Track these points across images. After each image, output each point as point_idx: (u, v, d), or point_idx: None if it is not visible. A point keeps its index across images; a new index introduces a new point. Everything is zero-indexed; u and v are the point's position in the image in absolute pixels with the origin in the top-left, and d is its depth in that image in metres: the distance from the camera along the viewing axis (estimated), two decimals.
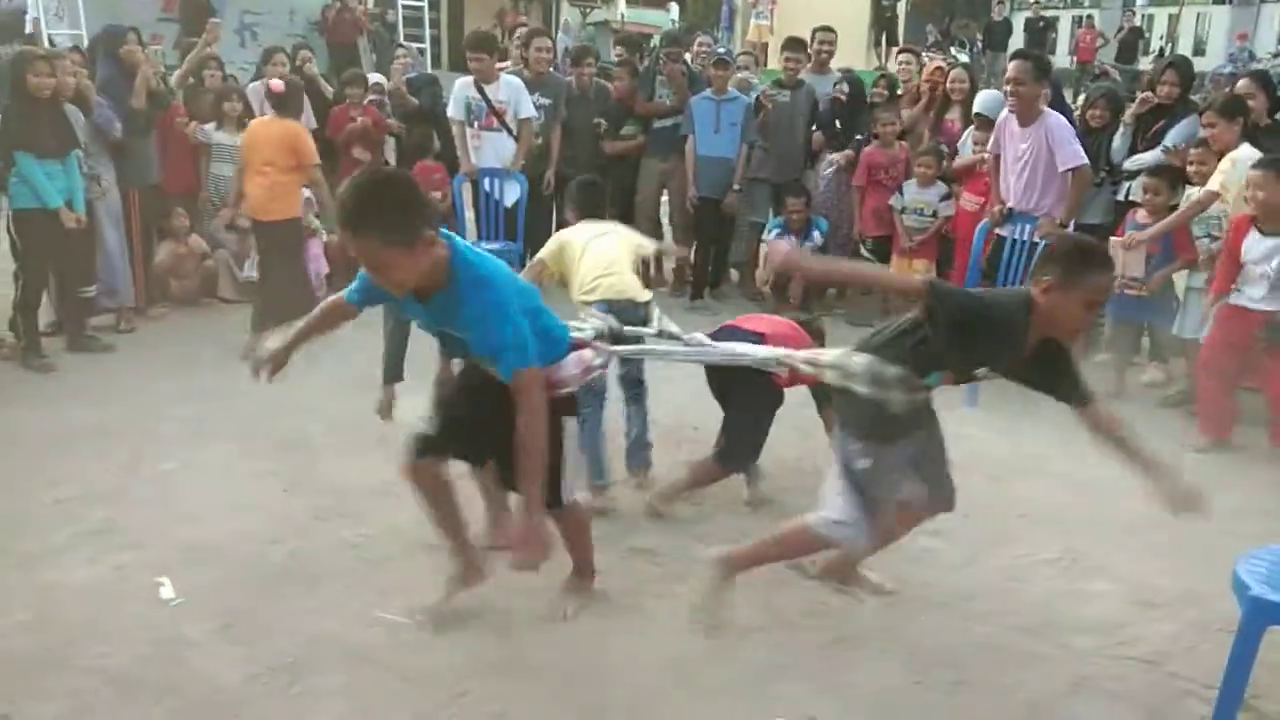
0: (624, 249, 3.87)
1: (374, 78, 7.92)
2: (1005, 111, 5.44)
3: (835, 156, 6.96)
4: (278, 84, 6.05)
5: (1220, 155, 4.96)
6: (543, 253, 3.98)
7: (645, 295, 3.75)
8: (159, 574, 3.24)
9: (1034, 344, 2.69)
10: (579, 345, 2.92)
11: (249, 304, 6.15)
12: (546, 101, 6.85)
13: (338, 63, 9.97)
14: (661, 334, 3.59)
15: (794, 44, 7.27)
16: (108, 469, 4.04)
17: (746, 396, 3.65)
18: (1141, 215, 5.38)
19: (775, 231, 6.74)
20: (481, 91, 6.55)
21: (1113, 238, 5.25)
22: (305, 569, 3.33)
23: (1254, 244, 4.57)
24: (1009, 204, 5.45)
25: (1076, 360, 2.85)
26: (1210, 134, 5.05)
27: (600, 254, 3.78)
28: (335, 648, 2.89)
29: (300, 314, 2.98)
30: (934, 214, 6.40)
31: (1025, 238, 5.40)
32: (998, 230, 5.52)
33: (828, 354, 2.99)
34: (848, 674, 2.86)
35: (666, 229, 7.42)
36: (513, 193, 6.62)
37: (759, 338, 3.55)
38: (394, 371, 3.81)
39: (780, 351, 3.28)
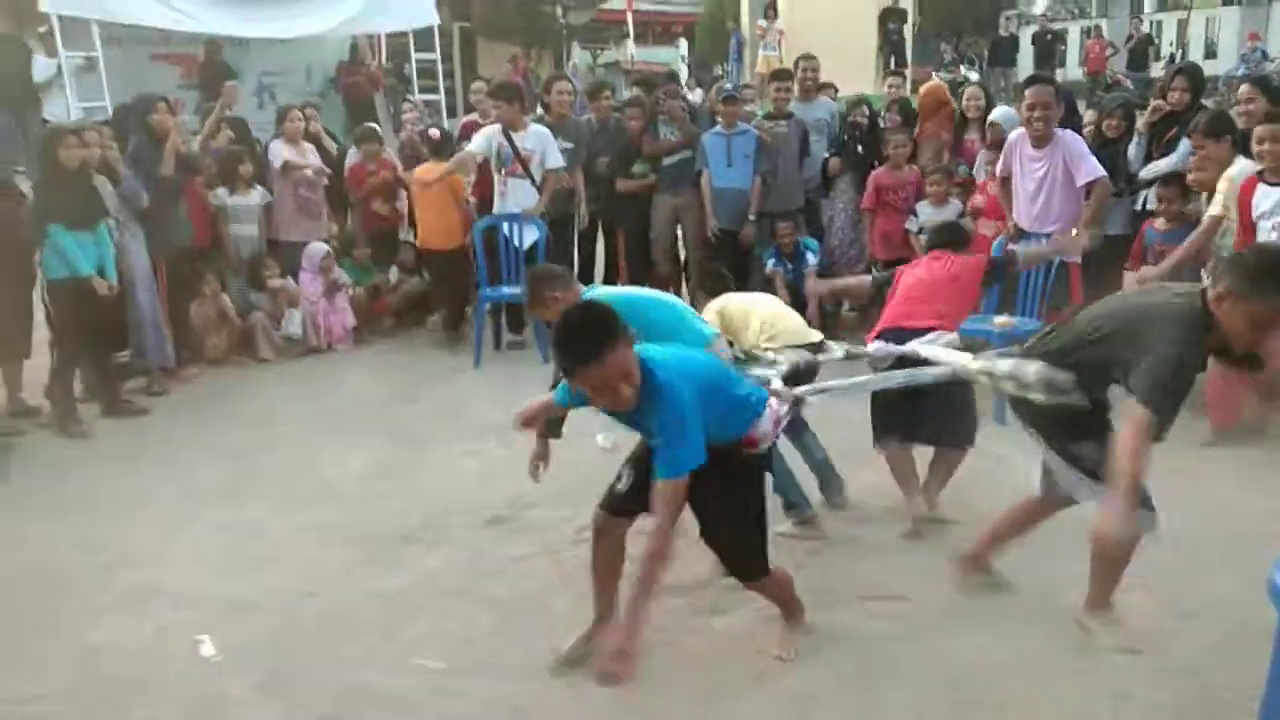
0: (768, 303, 4.14)
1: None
2: (1016, 133, 5.48)
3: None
4: (435, 132, 7.34)
5: (1219, 166, 4.94)
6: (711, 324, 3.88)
7: (817, 335, 3.96)
8: (199, 632, 3.29)
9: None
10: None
11: (282, 361, 6.26)
12: (569, 145, 6.96)
13: (355, 119, 10.15)
14: (848, 355, 3.75)
15: (781, 75, 7.41)
16: (146, 531, 4.11)
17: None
18: (1159, 224, 5.38)
19: (771, 261, 6.81)
20: (509, 138, 6.66)
21: (1128, 271, 5.28)
22: (340, 621, 3.37)
23: (1263, 197, 4.52)
24: (1023, 225, 5.47)
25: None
26: (1202, 156, 5.03)
27: (765, 304, 4.07)
28: (372, 697, 2.93)
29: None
30: None
31: None
32: (1012, 246, 5.52)
33: (1003, 364, 3.02)
34: (884, 700, 2.86)
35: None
36: (530, 236, 6.70)
37: (927, 330, 3.70)
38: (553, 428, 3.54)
39: (959, 361, 3.29)
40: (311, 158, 7.19)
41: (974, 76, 16.84)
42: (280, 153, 7.05)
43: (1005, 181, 5.60)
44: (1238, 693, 2.78)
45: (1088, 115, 6.08)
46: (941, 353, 3.41)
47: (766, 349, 3.80)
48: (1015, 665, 3.00)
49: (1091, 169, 5.20)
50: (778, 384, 3.23)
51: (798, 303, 6.80)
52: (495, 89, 7.06)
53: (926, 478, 3.96)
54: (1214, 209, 4.80)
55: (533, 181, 6.68)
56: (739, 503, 2.86)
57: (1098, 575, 3.08)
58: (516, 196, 6.69)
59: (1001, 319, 5.23)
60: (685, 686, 2.93)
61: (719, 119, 6.94)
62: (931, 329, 3.72)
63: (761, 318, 3.97)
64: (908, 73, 12.72)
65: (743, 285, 7.42)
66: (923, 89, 7.66)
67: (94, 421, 5.55)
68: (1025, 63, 18.39)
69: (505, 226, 6.74)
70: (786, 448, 3.88)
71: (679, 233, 7.33)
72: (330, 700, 2.90)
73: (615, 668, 2.51)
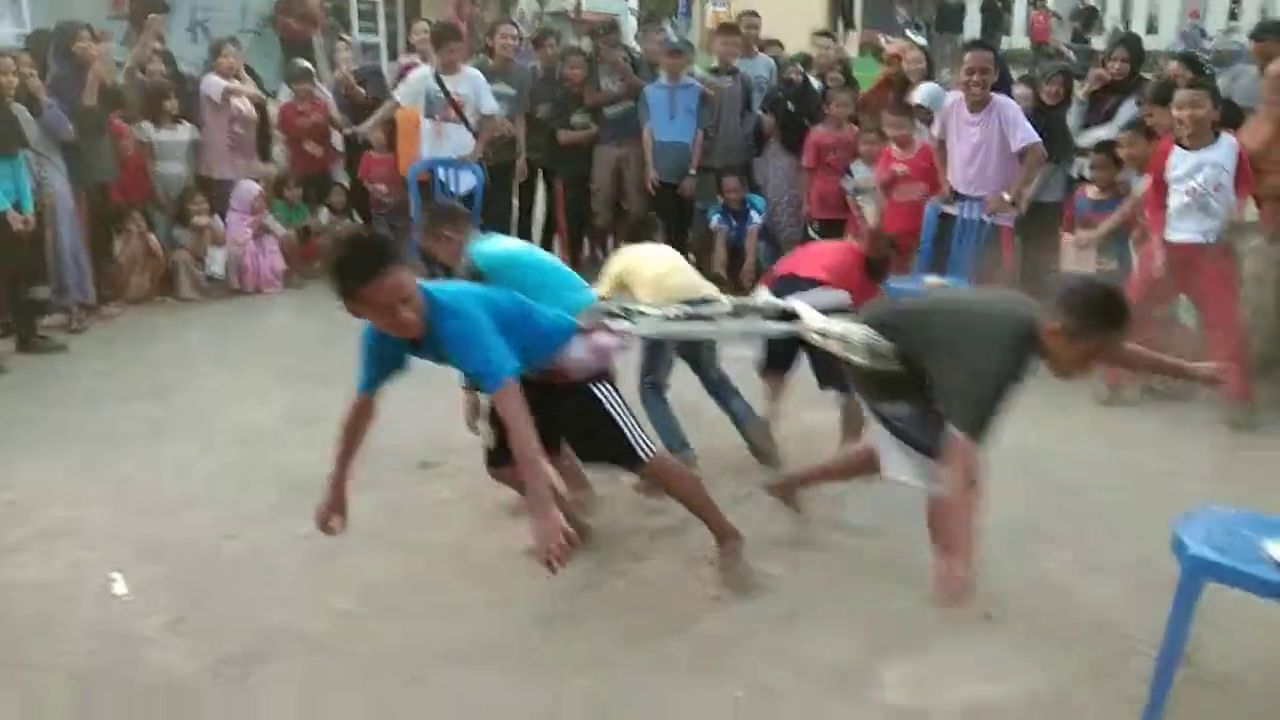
0: (663, 258, 4.01)
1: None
2: (953, 97, 5.51)
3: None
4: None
5: (1155, 137, 5.02)
6: (603, 289, 3.91)
7: (710, 289, 3.89)
8: (113, 571, 3.22)
9: None
10: (593, 328, 3.08)
11: (208, 301, 6.10)
12: (511, 91, 6.85)
13: (290, 58, 9.86)
14: (736, 310, 3.67)
15: (728, 29, 7.32)
16: (62, 470, 4.01)
17: None
18: (1091, 193, 5.45)
19: (716, 217, 6.78)
20: (441, 83, 6.52)
21: (1066, 233, 5.37)
22: (259, 562, 3.32)
23: (1178, 160, 4.63)
24: (958, 189, 5.51)
25: None
26: (1151, 122, 5.14)
27: (660, 259, 3.97)
28: (290, 638, 2.89)
29: None
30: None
31: (974, 216, 5.46)
32: (946, 209, 5.58)
33: (837, 325, 3.09)
34: (803, 645, 2.89)
35: None
36: (467, 182, 6.60)
37: (814, 284, 3.79)
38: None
39: (807, 319, 3.34)
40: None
41: (920, 41, 16.87)
42: (218, 84, 6.83)
43: (941, 145, 5.63)
44: (1141, 641, 2.86)
45: (1021, 89, 6.08)
46: (807, 310, 3.42)
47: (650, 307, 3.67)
48: (933, 614, 3.06)
49: (1026, 134, 5.25)
50: (615, 322, 3.25)
51: (737, 260, 6.83)
52: (435, 31, 6.90)
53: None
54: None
55: (468, 126, 6.56)
56: (581, 419, 3.05)
57: (821, 471, 3.35)
58: (451, 142, 6.58)
59: (933, 279, 5.28)
60: (610, 629, 2.94)
61: (661, 72, 6.87)
62: (820, 282, 3.84)
63: (655, 272, 3.88)
64: (840, 34, 12.71)
65: (681, 240, 7.44)
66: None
67: (9, 356, 5.38)
68: (973, 30, 18.45)
69: (441, 171, 6.63)
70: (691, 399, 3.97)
71: (620, 185, 7.27)
72: (242, 641, 2.85)
73: (546, 548, 2.43)
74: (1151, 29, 23.64)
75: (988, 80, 5.28)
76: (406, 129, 6.80)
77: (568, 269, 3.78)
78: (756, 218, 6.69)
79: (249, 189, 6.86)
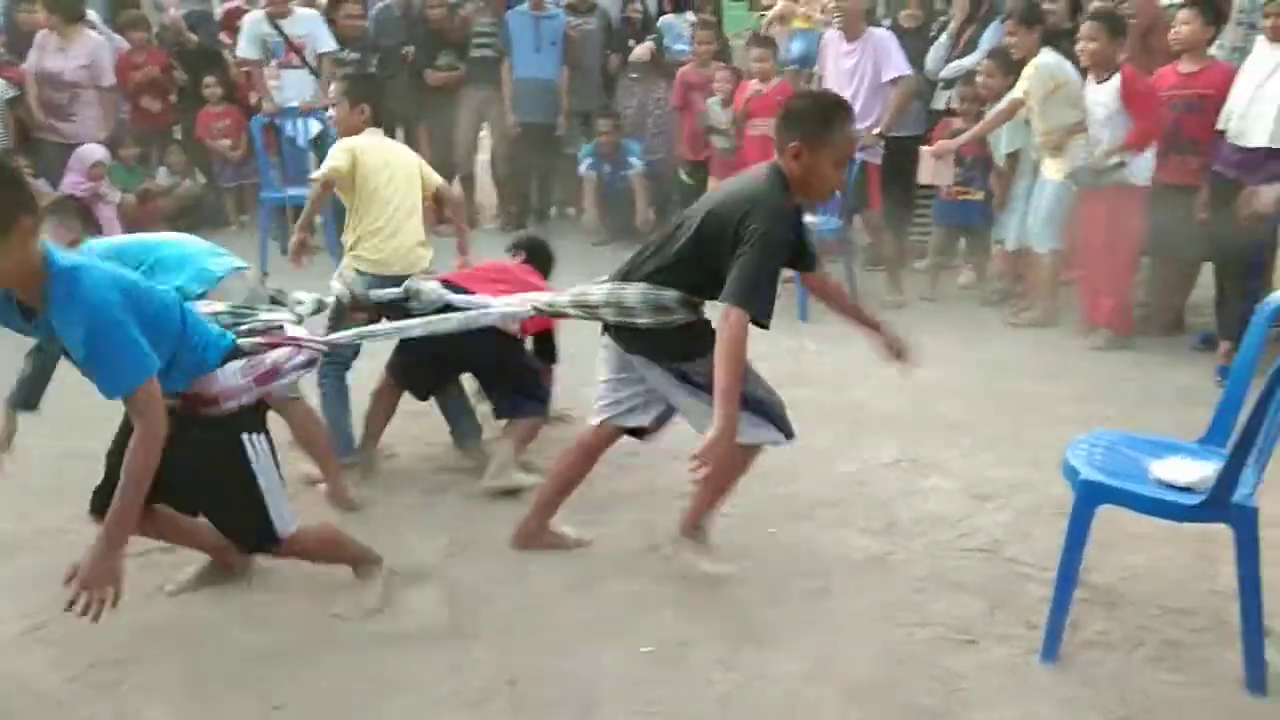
0: (416, 192, 3.62)
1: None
2: (830, 31, 5.52)
3: (641, 51, 6.62)
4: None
5: (1020, 64, 5.09)
6: (332, 168, 3.49)
7: (427, 261, 3.56)
8: None
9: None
10: (270, 345, 2.56)
11: None
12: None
13: (120, 4, 9.14)
14: (407, 294, 3.29)
15: None
16: None
17: (496, 351, 3.43)
18: (958, 123, 5.50)
19: (588, 161, 6.58)
20: (276, 27, 6.13)
21: (923, 147, 5.38)
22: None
23: (1090, 91, 4.75)
24: None
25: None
26: (1011, 41, 5.18)
27: (390, 203, 3.50)
28: (166, 636, 2.68)
29: None
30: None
31: None
32: None
33: (596, 291, 2.78)
34: (711, 597, 2.86)
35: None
36: (314, 130, 6.25)
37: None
38: (22, 397, 3.08)
39: (537, 297, 3.04)
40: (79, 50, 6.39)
41: None
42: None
43: (820, 79, 5.64)
44: (1033, 566, 2.95)
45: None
46: (501, 306, 3.09)
47: (354, 257, 3.44)
48: (827, 557, 3.07)
49: (898, 65, 5.31)
50: (296, 330, 2.73)
51: (614, 207, 6.64)
52: None
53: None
54: (1016, 92, 4.98)
55: (310, 70, 6.19)
56: (215, 469, 2.48)
57: (700, 495, 2.94)
58: (295, 89, 6.21)
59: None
60: (516, 598, 2.86)
61: None
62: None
63: (385, 219, 3.47)
64: None
65: (548, 190, 7.26)
66: None
67: None
68: None
69: (289, 125, 6.26)
70: None
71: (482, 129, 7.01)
72: (118, 642, 2.63)
73: (95, 591, 2.24)
74: None
75: (849, 9, 5.28)
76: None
77: (198, 242, 3.15)
78: (637, 163, 6.49)
79: (90, 152, 6.31)
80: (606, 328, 2.82)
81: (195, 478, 2.47)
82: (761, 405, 2.75)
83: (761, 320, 2.45)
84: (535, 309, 3.01)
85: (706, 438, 2.34)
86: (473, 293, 3.26)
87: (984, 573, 2.97)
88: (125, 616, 2.70)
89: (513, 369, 3.53)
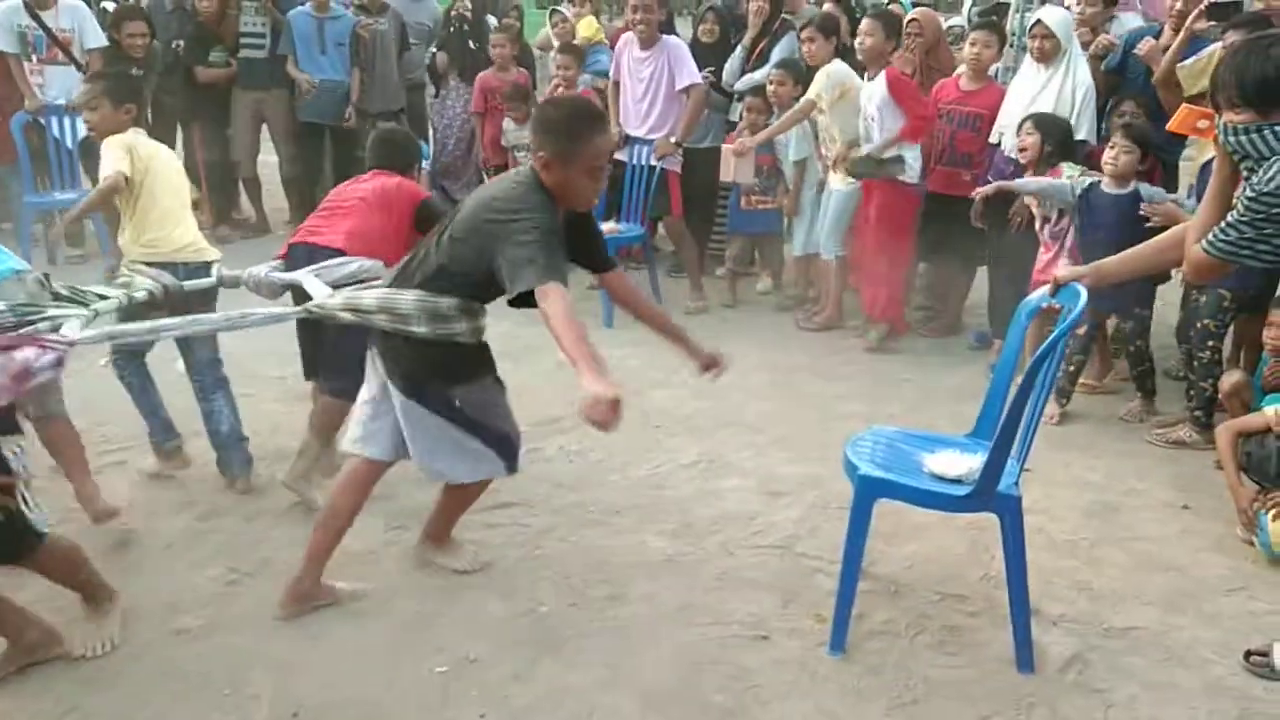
0: (186, 186, 3.48)
1: None
2: (625, 36, 5.55)
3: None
4: None
5: (810, 74, 5.28)
6: (121, 171, 3.24)
7: (214, 253, 3.40)
8: None
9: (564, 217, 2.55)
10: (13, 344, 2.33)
11: None
12: None
13: None
14: (223, 282, 3.20)
15: None
16: None
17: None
18: (746, 135, 5.63)
19: None
20: (37, 18, 5.66)
21: (724, 145, 5.51)
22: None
23: (865, 86, 5.01)
24: (629, 130, 5.55)
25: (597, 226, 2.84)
26: (808, 49, 5.34)
27: (170, 189, 3.35)
28: None
29: None
30: None
31: (644, 162, 5.51)
32: (617, 155, 5.59)
33: (369, 296, 2.63)
34: (502, 609, 2.80)
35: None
36: (82, 131, 5.80)
37: (338, 253, 3.15)
38: None
39: (318, 297, 2.83)
40: None
41: None
42: None
43: (616, 86, 5.65)
44: (823, 560, 3.03)
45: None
46: (317, 286, 2.92)
47: (140, 252, 3.26)
48: (624, 562, 3.07)
49: (690, 74, 5.38)
50: (69, 328, 2.53)
51: None
52: None
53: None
54: (810, 93, 5.16)
55: (77, 66, 5.76)
56: None
57: (444, 510, 2.96)
58: (60, 85, 5.75)
59: (608, 225, 5.29)
60: (296, 624, 2.72)
61: None
62: (340, 251, 3.17)
63: (163, 208, 3.31)
64: None
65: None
66: None
67: None
68: None
69: (54, 123, 5.79)
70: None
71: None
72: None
73: None
74: None
75: (651, 20, 5.35)
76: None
77: None
78: (424, 164, 6.38)
79: None
80: (375, 343, 2.68)
81: None
82: (502, 441, 2.75)
83: (560, 281, 2.37)
84: (308, 311, 2.84)
85: (583, 403, 2.24)
86: (321, 247, 3.18)
87: (777, 568, 3.04)
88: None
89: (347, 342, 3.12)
